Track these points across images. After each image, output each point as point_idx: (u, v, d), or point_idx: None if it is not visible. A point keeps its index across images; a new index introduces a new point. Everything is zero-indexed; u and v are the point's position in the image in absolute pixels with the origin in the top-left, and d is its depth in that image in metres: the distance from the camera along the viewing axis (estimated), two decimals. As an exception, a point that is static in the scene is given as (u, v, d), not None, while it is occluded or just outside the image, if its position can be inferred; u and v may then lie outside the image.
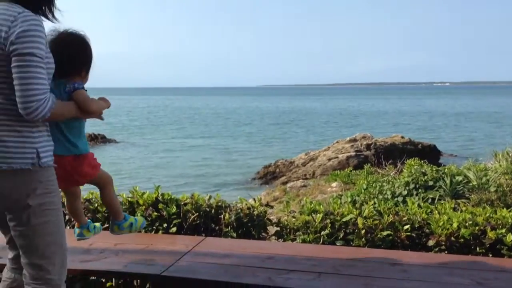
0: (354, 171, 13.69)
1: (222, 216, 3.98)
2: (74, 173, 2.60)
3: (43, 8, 2.21)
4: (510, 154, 10.06)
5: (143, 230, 3.85)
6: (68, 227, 4.03)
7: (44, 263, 2.25)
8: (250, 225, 3.96)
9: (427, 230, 3.66)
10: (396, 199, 7.65)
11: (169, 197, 4.14)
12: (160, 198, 4.13)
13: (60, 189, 2.37)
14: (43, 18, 2.21)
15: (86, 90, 2.45)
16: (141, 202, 4.06)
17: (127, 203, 4.09)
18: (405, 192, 7.86)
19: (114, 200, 2.84)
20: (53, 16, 2.26)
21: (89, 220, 2.96)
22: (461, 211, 3.85)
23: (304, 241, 3.73)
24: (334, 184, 12.22)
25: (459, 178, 7.96)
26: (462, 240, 3.51)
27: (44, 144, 2.20)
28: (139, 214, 3.95)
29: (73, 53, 2.45)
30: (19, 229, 2.19)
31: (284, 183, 15.41)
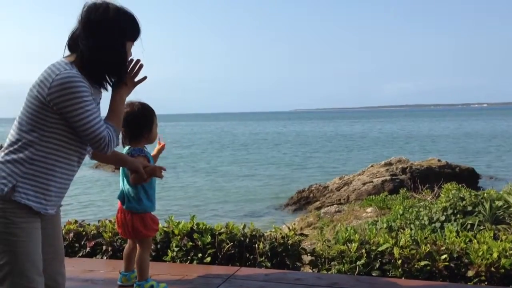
0: (389, 195, 13.45)
1: (256, 245, 3.98)
2: (129, 225, 2.98)
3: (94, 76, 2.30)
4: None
5: (178, 260, 3.90)
6: (105, 258, 4.11)
7: None
8: (285, 255, 3.94)
9: (466, 260, 3.57)
10: (433, 225, 7.46)
11: (204, 227, 4.17)
12: (195, 227, 4.16)
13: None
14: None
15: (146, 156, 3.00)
16: (176, 232, 4.09)
17: (162, 233, 4.13)
18: (442, 218, 7.65)
19: (145, 262, 3.06)
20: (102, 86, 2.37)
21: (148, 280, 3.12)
22: (501, 240, 3.75)
23: (339, 271, 3.69)
24: (369, 209, 12.03)
25: (499, 203, 7.71)
26: (502, 270, 3.41)
27: (28, 184, 2.18)
28: (174, 244, 3.99)
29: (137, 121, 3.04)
30: None
31: (318, 208, 15.24)
